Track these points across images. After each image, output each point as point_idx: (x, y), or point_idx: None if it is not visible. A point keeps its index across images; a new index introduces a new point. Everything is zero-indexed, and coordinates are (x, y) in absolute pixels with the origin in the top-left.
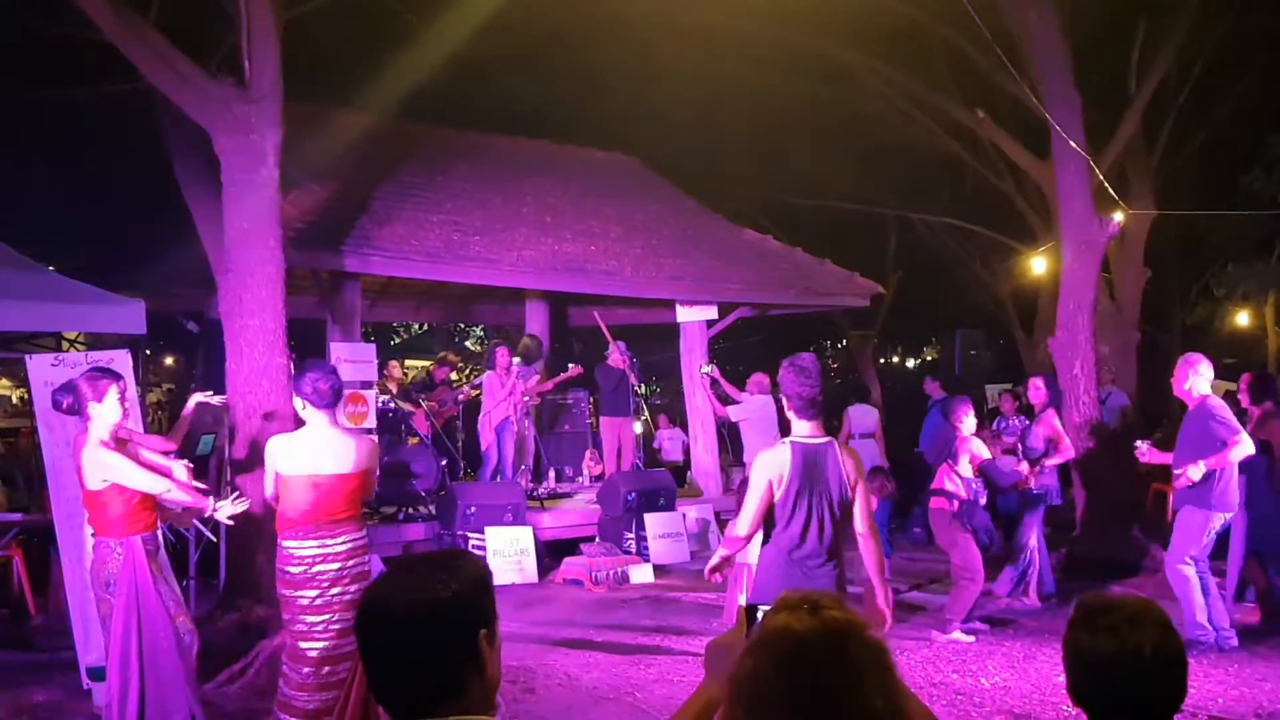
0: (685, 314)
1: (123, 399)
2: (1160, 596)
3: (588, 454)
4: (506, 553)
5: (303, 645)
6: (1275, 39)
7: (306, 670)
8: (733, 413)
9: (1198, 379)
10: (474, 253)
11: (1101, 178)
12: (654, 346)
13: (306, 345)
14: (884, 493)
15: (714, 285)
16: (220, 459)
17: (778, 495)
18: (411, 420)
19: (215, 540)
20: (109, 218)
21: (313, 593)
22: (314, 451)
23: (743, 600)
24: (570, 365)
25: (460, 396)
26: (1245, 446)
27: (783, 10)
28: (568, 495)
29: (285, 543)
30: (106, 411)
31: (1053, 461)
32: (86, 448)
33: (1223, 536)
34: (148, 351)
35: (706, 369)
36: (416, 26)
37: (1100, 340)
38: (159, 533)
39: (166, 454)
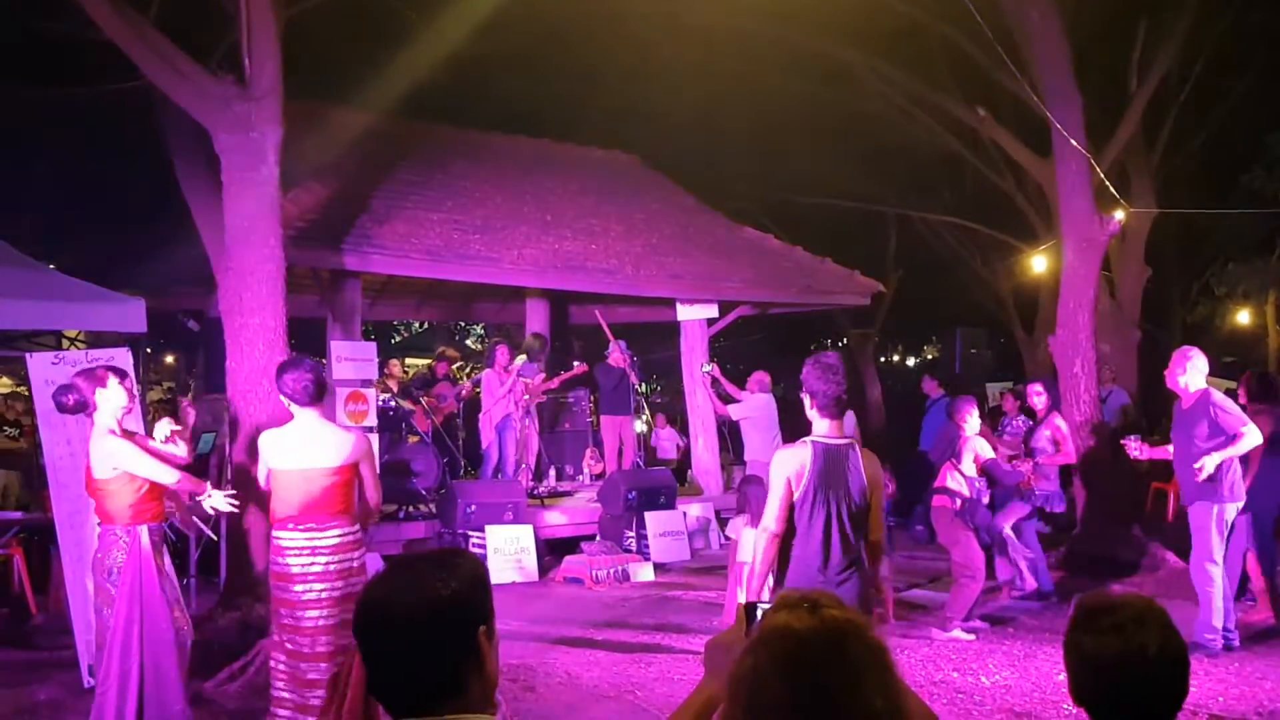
0: (686, 312)
1: (128, 391)
2: (1160, 595)
3: (588, 452)
4: (507, 551)
5: (287, 639)
6: (1275, 38)
7: (288, 662)
8: (734, 411)
9: (1194, 372)
10: (474, 251)
11: (1102, 176)
12: (654, 345)
13: (307, 344)
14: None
15: (714, 284)
16: (221, 457)
17: (796, 494)
18: (412, 419)
19: (216, 539)
20: (109, 217)
21: (299, 587)
22: (303, 446)
23: (742, 598)
24: (575, 363)
25: (462, 393)
26: (1254, 436)
27: (783, 9)
28: (568, 494)
29: (276, 533)
30: (112, 396)
31: (1054, 460)
32: (95, 437)
33: None
34: (148, 350)
35: (707, 368)
36: (416, 24)
37: (1101, 339)
38: (164, 526)
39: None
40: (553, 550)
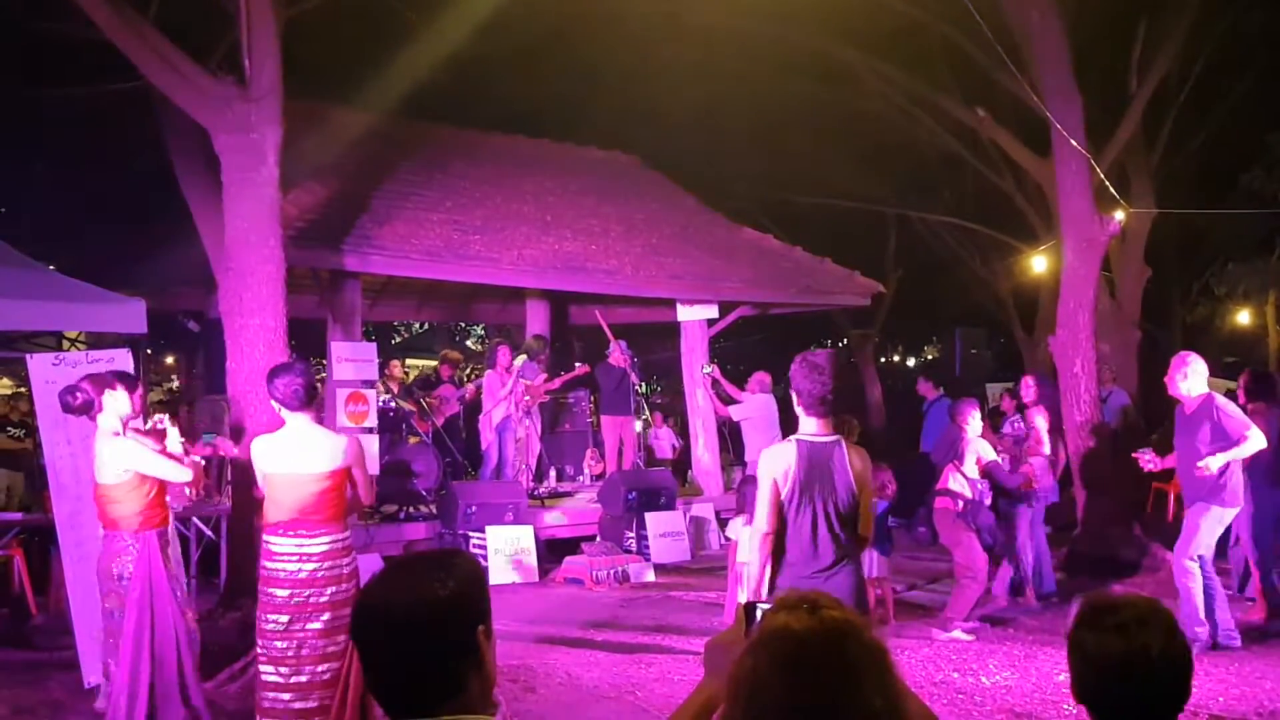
0: (686, 313)
1: (136, 401)
2: (1161, 595)
3: (588, 453)
4: (507, 552)
5: (267, 643)
6: (1275, 38)
7: (270, 668)
8: (734, 412)
9: (1194, 377)
10: (474, 251)
11: (1102, 176)
12: (654, 345)
13: (307, 344)
14: (883, 493)
15: (714, 284)
16: (221, 458)
17: (784, 493)
18: (412, 419)
19: (216, 539)
20: (109, 217)
21: (284, 592)
22: (295, 451)
23: (743, 598)
24: (577, 364)
25: (465, 395)
26: (1258, 440)
27: (783, 9)
28: (568, 494)
29: (267, 538)
30: (119, 401)
31: (1035, 459)
32: (102, 440)
33: (1223, 535)
34: (148, 351)
35: (707, 369)
36: (416, 25)
37: (1101, 339)
38: (170, 528)
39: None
40: (553, 551)
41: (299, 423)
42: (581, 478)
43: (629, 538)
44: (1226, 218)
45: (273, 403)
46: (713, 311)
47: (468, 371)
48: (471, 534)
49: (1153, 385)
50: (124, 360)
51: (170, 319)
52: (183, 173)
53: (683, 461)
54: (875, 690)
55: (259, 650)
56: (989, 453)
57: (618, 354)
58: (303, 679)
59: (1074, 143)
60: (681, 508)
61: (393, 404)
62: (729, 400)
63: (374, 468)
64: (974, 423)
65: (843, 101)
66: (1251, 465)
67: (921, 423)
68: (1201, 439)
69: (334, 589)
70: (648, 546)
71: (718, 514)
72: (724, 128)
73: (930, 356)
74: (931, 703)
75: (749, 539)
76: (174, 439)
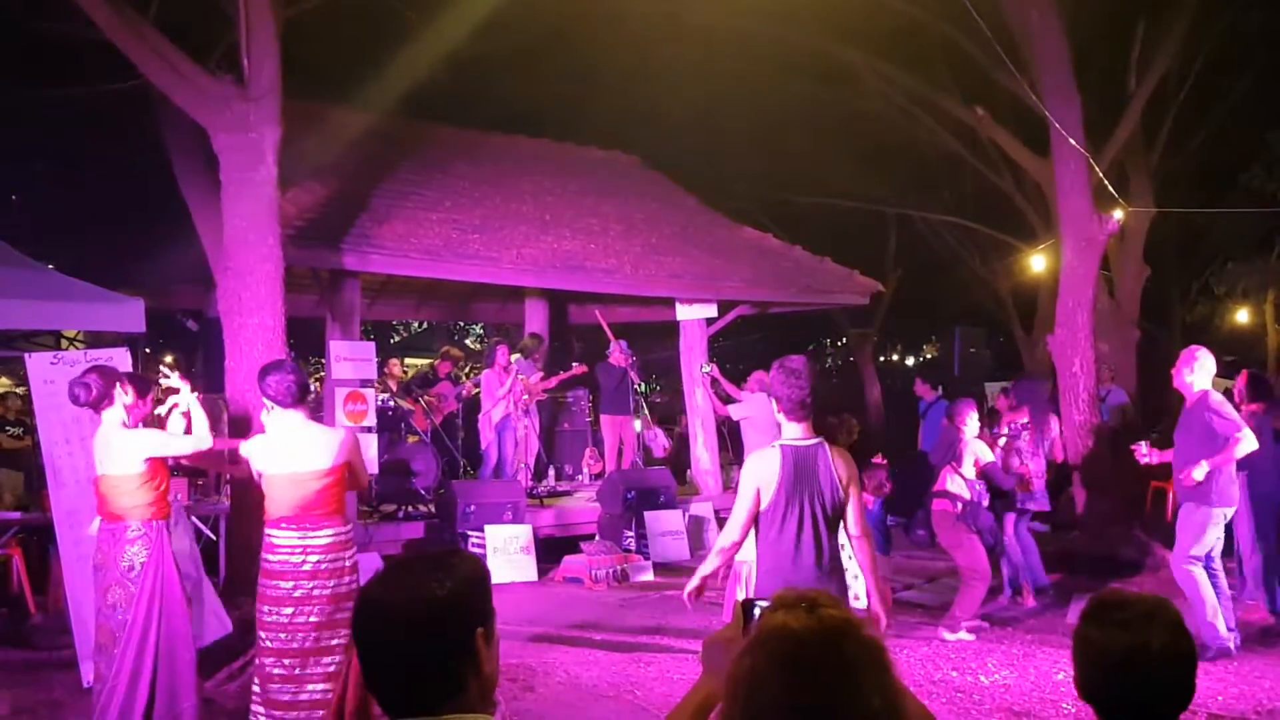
0: (685, 312)
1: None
2: (1162, 594)
3: (587, 452)
4: (506, 551)
5: (269, 635)
6: (1275, 38)
7: (271, 661)
8: (733, 411)
9: (1200, 372)
10: (473, 251)
11: (1101, 175)
12: (654, 344)
13: (306, 343)
14: (880, 491)
15: (714, 283)
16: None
17: (765, 502)
18: (411, 418)
19: (215, 538)
20: (109, 217)
21: (288, 584)
22: (292, 449)
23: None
24: (574, 364)
25: (462, 392)
26: (1248, 442)
27: (783, 9)
28: (567, 493)
29: (269, 531)
30: (129, 399)
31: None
32: (112, 431)
33: (1227, 535)
34: (147, 350)
35: (706, 368)
36: (416, 24)
37: (1100, 338)
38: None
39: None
40: (552, 550)
41: (293, 420)
42: (580, 477)
43: (628, 537)
44: (1226, 217)
45: (265, 400)
46: (712, 311)
47: (466, 369)
48: (470, 533)
49: (1151, 384)
50: (123, 359)
51: (169, 318)
52: (182, 172)
53: (672, 461)
54: (874, 689)
55: (261, 641)
56: (987, 454)
57: (618, 353)
58: (305, 671)
59: (1073, 142)
60: (680, 507)
61: (391, 403)
62: (728, 399)
63: (373, 467)
64: (971, 424)
65: (843, 101)
66: (1251, 464)
67: (919, 422)
68: (1193, 438)
69: (335, 581)
70: (647, 546)
71: (717, 513)
72: (724, 127)
73: (929, 356)
74: (930, 701)
75: (716, 543)
76: (186, 397)
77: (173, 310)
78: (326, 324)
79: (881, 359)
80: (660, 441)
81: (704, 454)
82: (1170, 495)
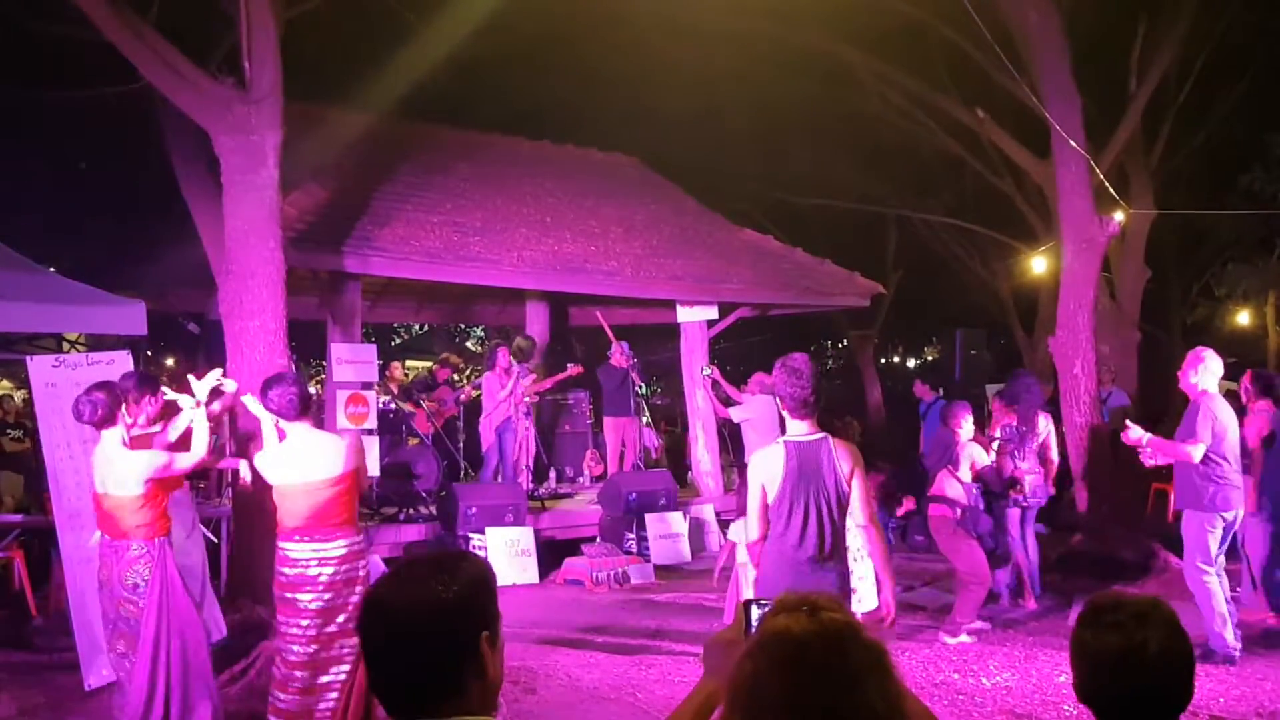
0: (686, 314)
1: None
2: (1163, 596)
3: (588, 454)
4: (507, 553)
5: (288, 647)
6: (1275, 38)
7: (290, 672)
8: (734, 413)
9: (1205, 374)
10: (474, 253)
11: (1101, 177)
12: (654, 346)
13: (307, 346)
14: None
15: (714, 285)
16: (222, 458)
17: (772, 497)
18: (412, 421)
19: (216, 541)
20: (109, 218)
21: (307, 596)
22: (303, 459)
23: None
24: (570, 365)
25: (461, 397)
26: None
27: (783, 10)
28: (569, 496)
29: (282, 544)
30: (134, 418)
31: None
32: (114, 451)
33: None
34: (148, 353)
35: (707, 371)
36: (416, 26)
37: (1100, 340)
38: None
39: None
40: (553, 552)
41: (300, 430)
42: (581, 479)
43: (629, 539)
44: (1226, 218)
45: (270, 414)
46: (712, 313)
47: (467, 373)
48: (471, 535)
49: (1152, 386)
50: (124, 362)
51: (170, 321)
52: (183, 174)
53: (665, 462)
54: (875, 692)
55: (285, 654)
56: (983, 457)
57: (619, 355)
58: (322, 679)
59: (1073, 143)
60: (681, 509)
61: (392, 405)
62: (729, 401)
63: (374, 470)
64: (967, 426)
65: (843, 103)
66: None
67: (920, 424)
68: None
69: (349, 592)
70: (648, 548)
71: (717, 515)
72: (725, 129)
73: (930, 357)
74: (932, 704)
75: (742, 542)
76: (191, 414)
77: (174, 313)
78: (328, 326)
79: (882, 361)
80: (651, 441)
81: (705, 456)
82: (1171, 497)
